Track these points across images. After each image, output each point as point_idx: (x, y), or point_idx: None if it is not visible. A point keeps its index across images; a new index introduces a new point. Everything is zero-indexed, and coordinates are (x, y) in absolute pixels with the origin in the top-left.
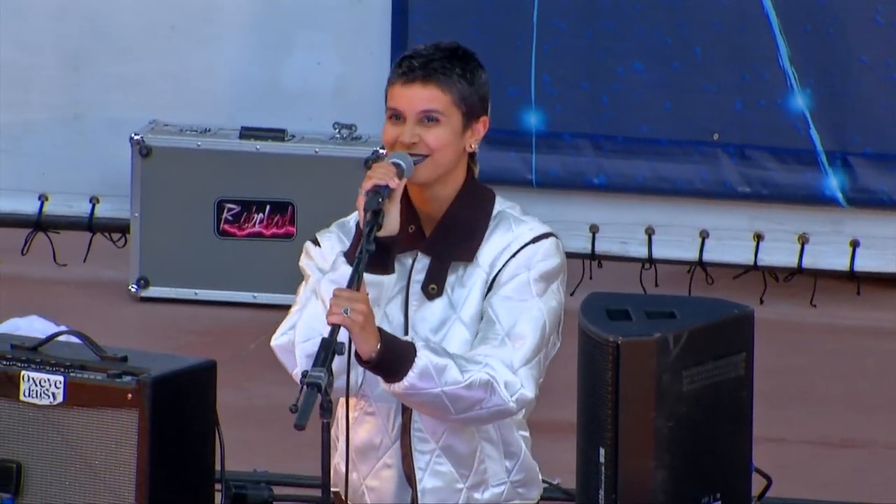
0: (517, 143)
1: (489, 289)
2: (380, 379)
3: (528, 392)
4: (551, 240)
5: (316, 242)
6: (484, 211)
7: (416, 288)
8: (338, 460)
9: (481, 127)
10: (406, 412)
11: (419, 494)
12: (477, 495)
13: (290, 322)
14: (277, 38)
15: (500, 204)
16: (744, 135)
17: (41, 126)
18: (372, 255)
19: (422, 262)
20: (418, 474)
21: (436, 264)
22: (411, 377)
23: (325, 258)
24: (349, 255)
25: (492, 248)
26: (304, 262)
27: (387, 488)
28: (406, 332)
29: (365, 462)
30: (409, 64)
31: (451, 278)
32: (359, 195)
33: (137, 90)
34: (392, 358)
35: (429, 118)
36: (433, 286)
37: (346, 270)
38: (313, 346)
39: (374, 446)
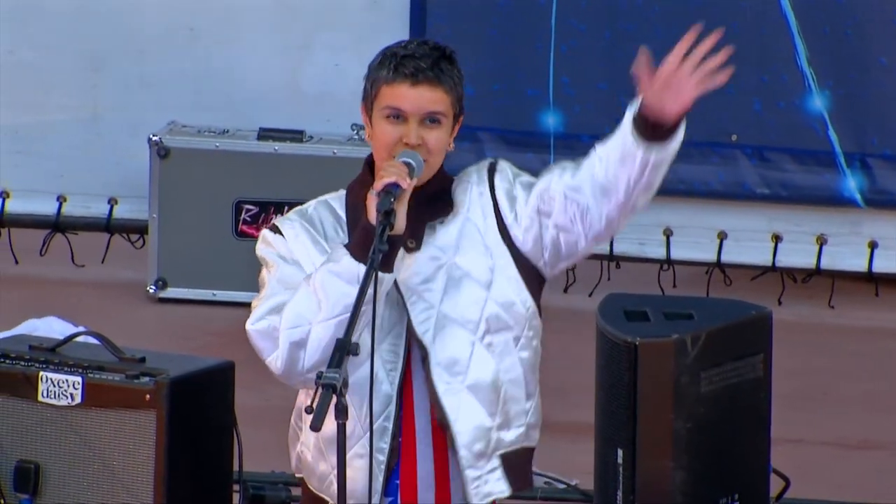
0: (535, 144)
1: (501, 226)
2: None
3: None
4: (497, 161)
5: (275, 230)
6: (448, 181)
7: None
8: (301, 449)
9: (458, 126)
10: (424, 361)
11: (455, 435)
12: (503, 435)
13: (265, 307)
14: (296, 39)
15: None
16: (762, 136)
17: (60, 127)
18: (382, 254)
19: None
20: (451, 415)
21: (412, 224)
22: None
23: (286, 246)
24: (355, 250)
25: (464, 197)
26: (263, 250)
27: (358, 477)
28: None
29: (335, 453)
30: (415, 64)
31: (431, 235)
32: (370, 195)
33: (156, 91)
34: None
35: (431, 119)
36: (411, 241)
37: (349, 263)
38: (301, 333)
39: (346, 435)
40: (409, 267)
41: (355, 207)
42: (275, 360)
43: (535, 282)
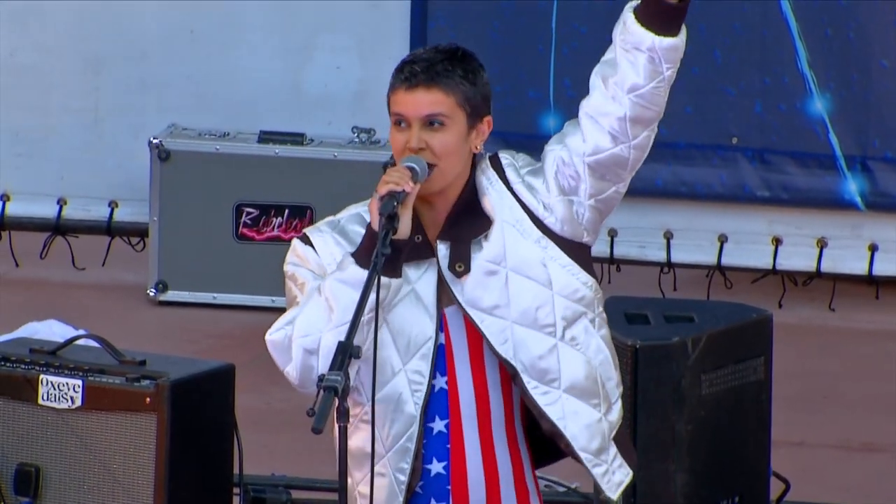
0: (536, 146)
1: (535, 219)
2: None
3: None
4: (497, 155)
5: (305, 240)
6: (476, 192)
7: (446, 273)
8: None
9: (486, 127)
10: (510, 388)
11: (571, 441)
12: (610, 418)
13: (285, 318)
14: (297, 42)
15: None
16: (763, 139)
17: (60, 130)
18: (385, 257)
19: (442, 251)
20: (560, 424)
21: (456, 245)
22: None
23: (315, 258)
24: (359, 257)
25: (493, 201)
26: (293, 265)
27: (380, 497)
28: (442, 326)
29: (359, 469)
30: (410, 69)
31: (478, 251)
32: (373, 199)
33: (157, 94)
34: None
35: (433, 122)
36: (459, 264)
37: (355, 271)
38: (312, 342)
39: (368, 454)
40: (469, 289)
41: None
42: (291, 370)
43: (585, 255)
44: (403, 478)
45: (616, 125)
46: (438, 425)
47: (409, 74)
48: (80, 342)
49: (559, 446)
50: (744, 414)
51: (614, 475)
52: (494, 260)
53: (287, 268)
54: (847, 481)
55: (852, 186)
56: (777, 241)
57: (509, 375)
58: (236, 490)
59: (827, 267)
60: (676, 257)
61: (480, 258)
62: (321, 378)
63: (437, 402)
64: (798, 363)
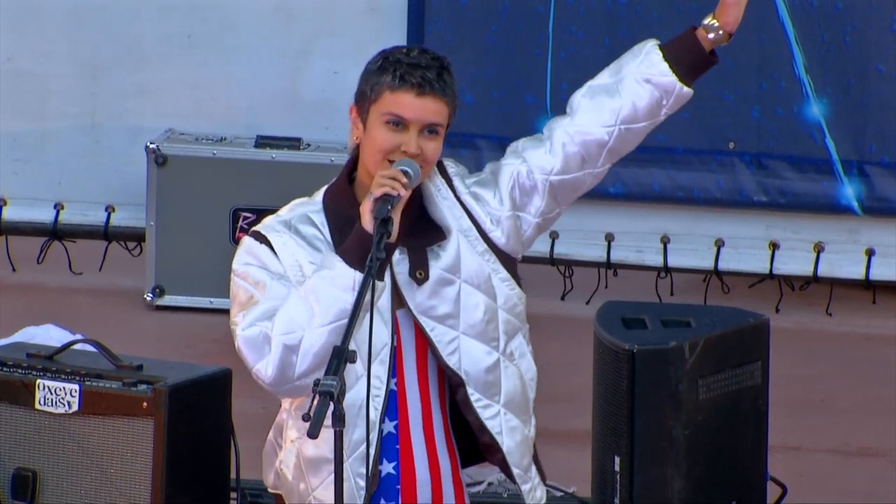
0: None
1: (480, 231)
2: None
3: None
4: (443, 163)
5: (260, 239)
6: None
7: (403, 278)
8: (280, 466)
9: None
10: (460, 388)
11: (507, 454)
12: (532, 432)
13: (256, 312)
14: (294, 47)
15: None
16: (760, 144)
17: (58, 134)
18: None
19: (397, 256)
20: (498, 439)
21: (414, 253)
22: None
23: (273, 258)
24: (348, 256)
25: (444, 210)
26: (248, 265)
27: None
28: (395, 329)
29: (316, 475)
30: (422, 75)
31: (435, 260)
32: (366, 201)
33: (154, 99)
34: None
35: (430, 130)
36: (420, 271)
37: (343, 269)
38: (294, 339)
39: (327, 460)
40: (422, 297)
41: (337, 214)
42: (264, 366)
43: (516, 269)
44: (363, 482)
45: (594, 150)
46: (388, 426)
47: (421, 80)
48: (77, 347)
49: (484, 457)
50: (741, 419)
51: (536, 492)
52: (450, 270)
53: (238, 266)
54: (844, 486)
55: (849, 191)
56: (774, 246)
57: (445, 383)
58: (233, 495)
59: (824, 271)
60: (674, 262)
61: (437, 267)
62: (316, 383)
63: (389, 404)
64: (795, 368)
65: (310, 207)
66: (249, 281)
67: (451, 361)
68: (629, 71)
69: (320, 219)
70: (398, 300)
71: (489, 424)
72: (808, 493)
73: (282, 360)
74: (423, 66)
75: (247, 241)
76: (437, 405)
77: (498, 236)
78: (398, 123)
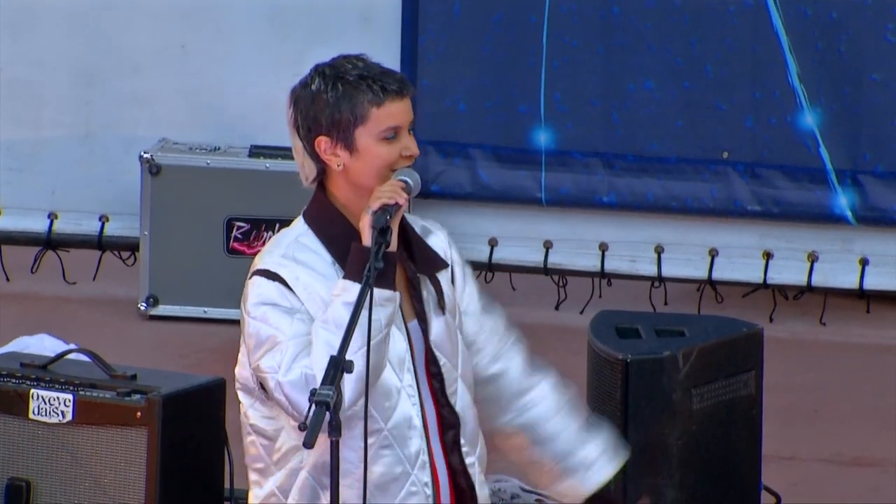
0: (527, 160)
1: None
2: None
3: None
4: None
5: (272, 276)
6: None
7: (431, 306)
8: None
9: None
10: (451, 430)
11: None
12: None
13: (289, 355)
14: (288, 56)
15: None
16: (754, 153)
17: (52, 144)
18: (380, 271)
19: (425, 282)
20: (478, 487)
21: (433, 281)
22: None
23: (287, 295)
24: (358, 277)
25: (435, 248)
26: (261, 301)
27: None
28: (414, 359)
29: (386, 495)
30: (392, 79)
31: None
32: (364, 216)
33: (148, 108)
34: None
35: (411, 128)
36: (441, 301)
37: (356, 290)
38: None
39: (394, 477)
40: (439, 328)
41: (331, 239)
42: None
43: None
44: (429, 491)
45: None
46: None
47: (398, 84)
48: (71, 356)
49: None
50: (735, 428)
51: None
52: (451, 310)
53: (253, 308)
54: (838, 495)
55: (843, 200)
56: (768, 256)
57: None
58: None
59: (818, 281)
60: (667, 271)
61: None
62: (313, 392)
63: None
64: (789, 377)
65: (295, 234)
66: (270, 322)
67: (453, 401)
68: (559, 421)
69: (311, 240)
70: (407, 311)
71: (472, 472)
72: (801, 502)
73: None
74: (384, 70)
75: (257, 281)
76: (434, 431)
77: (461, 307)
78: (393, 135)
